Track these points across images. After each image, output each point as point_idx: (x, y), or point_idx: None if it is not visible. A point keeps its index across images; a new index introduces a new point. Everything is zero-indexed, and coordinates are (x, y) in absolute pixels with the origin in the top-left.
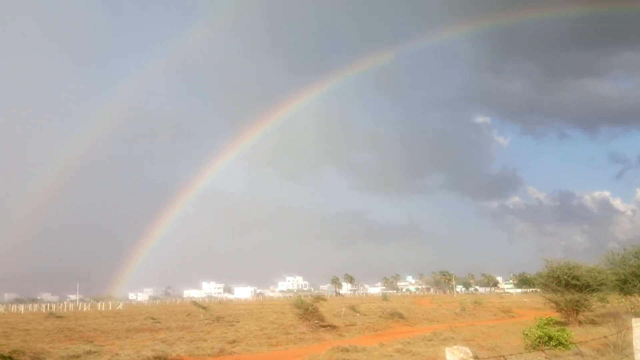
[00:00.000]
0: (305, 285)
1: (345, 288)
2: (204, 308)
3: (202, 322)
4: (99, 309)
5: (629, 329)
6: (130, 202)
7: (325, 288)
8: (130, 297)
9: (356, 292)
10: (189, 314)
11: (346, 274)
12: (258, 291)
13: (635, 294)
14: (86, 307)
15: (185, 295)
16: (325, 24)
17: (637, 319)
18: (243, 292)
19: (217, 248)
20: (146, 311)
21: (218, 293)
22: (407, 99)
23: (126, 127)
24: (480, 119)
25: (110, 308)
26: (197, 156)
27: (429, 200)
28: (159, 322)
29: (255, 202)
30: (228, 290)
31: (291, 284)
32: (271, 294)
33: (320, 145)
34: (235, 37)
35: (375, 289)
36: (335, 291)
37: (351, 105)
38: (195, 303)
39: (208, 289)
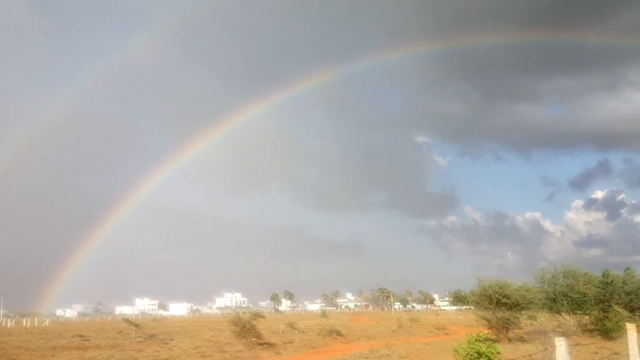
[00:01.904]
0: (244, 301)
1: (285, 305)
2: (136, 325)
3: (134, 340)
4: (24, 325)
5: (554, 347)
6: (61, 213)
7: (265, 305)
8: (57, 313)
9: (295, 308)
10: (120, 332)
11: (286, 291)
12: (195, 308)
13: (563, 313)
14: (10, 323)
15: (117, 312)
16: (273, 37)
17: (560, 339)
18: (179, 309)
19: (154, 263)
20: (74, 328)
21: (152, 310)
22: (351, 116)
23: (58, 134)
24: (421, 139)
25: (36, 324)
26: (137, 166)
27: (371, 218)
28: (88, 340)
29: (196, 215)
30: (163, 306)
31: (229, 300)
32: (208, 311)
33: (265, 159)
34: (179, 45)
35: (315, 306)
36: (275, 308)
37: (297, 120)
38: (127, 320)
39: (141, 306)
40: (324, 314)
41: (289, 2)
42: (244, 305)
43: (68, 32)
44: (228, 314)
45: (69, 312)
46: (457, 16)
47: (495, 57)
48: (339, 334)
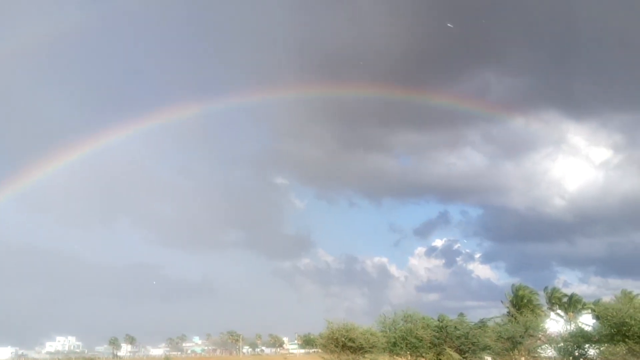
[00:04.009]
0: (79, 346)
1: (125, 350)
2: None
3: None
4: None
5: None
6: None
7: (102, 350)
8: None
9: (137, 354)
10: None
11: (127, 334)
12: (20, 352)
13: (401, 355)
14: None
15: None
16: (132, 64)
17: None
18: (1, 354)
19: None
20: None
21: None
22: (211, 154)
23: None
24: (280, 180)
25: None
26: None
27: (225, 258)
28: None
29: (30, 251)
30: None
31: (62, 344)
32: (37, 356)
33: (113, 193)
34: (26, 68)
35: (159, 351)
36: (113, 353)
37: (153, 153)
38: None
39: None
40: (167, 359)
41: (156, 30)
42: (77, 350)
43: None
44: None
45: None
46: (322, 64)
47: (354, 108)
48: None
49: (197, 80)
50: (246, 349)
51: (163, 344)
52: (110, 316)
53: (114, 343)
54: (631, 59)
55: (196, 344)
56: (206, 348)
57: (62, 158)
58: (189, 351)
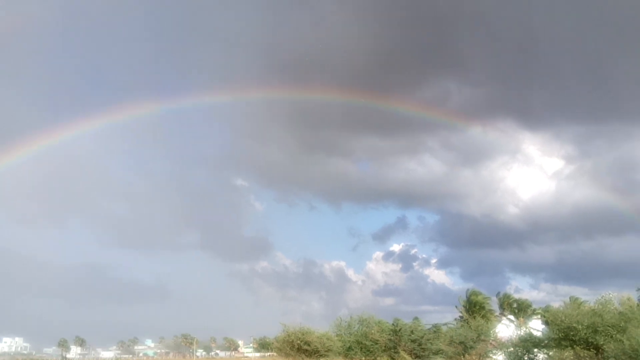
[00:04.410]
0: (26, 347)
1: (74, 352)
2: None
3: None
4: None
5: None
6: None
7: (51, 352)
8: None
9: (87, 356)
10: None
11: (77, 336)
12: None
13: (356, 358)
14: None
15: None
16: (89, 60)
17: None
18: None
19: None
20: None
21: None
22: (169, 153)
23: None
24: (239, 182)
25: None
26: None
27: (181, 259)
28: None
29: None
30: None
31: (8, 345)
32: None
33: (66, 192)
34: None
35: (110, 353)
36: (62, 355)
37: (108, 152)
38: None
39: None
40: None
41: (114, 26)
42: (25, 352)
43: None
44: None
45: None
46: (286, 67)
47: (317, 111)
48: None
49: (157, 78)
50: (200, 352)
51: (114, 347)
52: (59, 317)
53: (63, 345)
54: (585, 73)
55: (148, 347)
56: (159, 351)
57: (12, 155)
58: (140, 354)
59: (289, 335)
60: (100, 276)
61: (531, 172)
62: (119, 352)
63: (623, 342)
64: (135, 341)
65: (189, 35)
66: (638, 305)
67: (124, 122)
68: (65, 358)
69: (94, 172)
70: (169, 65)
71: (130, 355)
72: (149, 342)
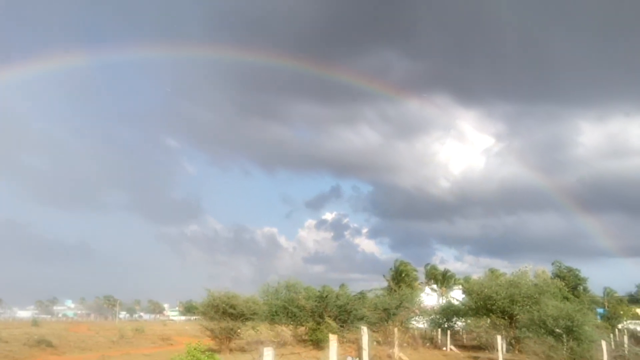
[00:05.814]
0: None
1: None
2: None
3: None
4: None
5: (262, 357)
6: None
7: None
8: None
9: (2, 315)
10: None
11: None
12: None
13: (282, 324)
14: None
15: None
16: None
17: (268, 349)
18: None
19: None
20: None
21: None
22: (96, 108)
23: None
24: (171, 142)
25: None
26: None
27: (106, 219)
28: None
29: None
30: None
31: None
32: None
33: None
34: None
35: (27, 313)
36: None
37: (29, 103)
38: None
39: None
40: (35, 322)
41: None
42: None
43: None
44: None
45: None
46: (226, 27)
47: (255, 74)
48: (49, 344)
49: (87, 26)
50: (123, 315)
51: (32, 307)
52: None
53: None
54: (521, 53)
55: (68, 307)
56: (79, 312)
57: None
58: (59, 315)
59: (214, 299)
60: (19, 233)
61: (463, 147)
62: (37, 312)
63: (533, 313)
64: (54, 301)
65: None
66: (551, 279)
67: (49, 72)
68: None
69: (14, 123)
70: (102, 13)
71: (49, 316)
72: (69, 303)
